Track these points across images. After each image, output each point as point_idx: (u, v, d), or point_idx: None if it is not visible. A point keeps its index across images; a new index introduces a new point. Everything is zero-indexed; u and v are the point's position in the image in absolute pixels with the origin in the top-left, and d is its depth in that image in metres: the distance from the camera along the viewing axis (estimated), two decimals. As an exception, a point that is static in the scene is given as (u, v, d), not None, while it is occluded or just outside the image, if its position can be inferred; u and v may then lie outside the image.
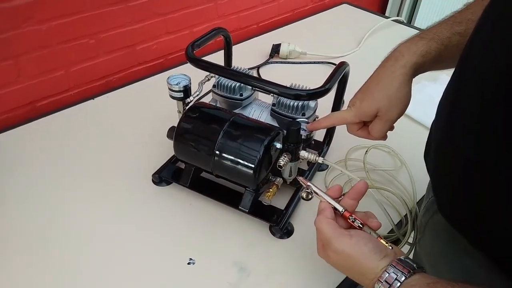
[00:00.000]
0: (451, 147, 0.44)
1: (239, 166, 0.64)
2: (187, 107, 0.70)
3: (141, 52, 1.05)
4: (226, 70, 0.67)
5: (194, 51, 0.68)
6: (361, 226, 0.46)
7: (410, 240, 0.66)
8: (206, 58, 0.66)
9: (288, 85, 0.73)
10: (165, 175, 0.75)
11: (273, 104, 0.74)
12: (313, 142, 0.82)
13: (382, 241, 0.44)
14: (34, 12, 0.83)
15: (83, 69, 0.96)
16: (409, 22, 1.72)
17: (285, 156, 0.60)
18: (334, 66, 1.10)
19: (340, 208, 0.47)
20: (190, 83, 0.68)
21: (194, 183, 0.72)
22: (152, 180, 0.75)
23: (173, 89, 0.66)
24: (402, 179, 0.78)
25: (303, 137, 0.63)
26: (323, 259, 0.47)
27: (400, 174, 0.79)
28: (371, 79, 0.58)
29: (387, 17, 1.42)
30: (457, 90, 0.44)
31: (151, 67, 1.09)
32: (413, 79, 0.57)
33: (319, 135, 0.82)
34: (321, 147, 0.81)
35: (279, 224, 0.66)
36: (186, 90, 0.67)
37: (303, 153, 0.62)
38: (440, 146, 0.48)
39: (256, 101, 0.78)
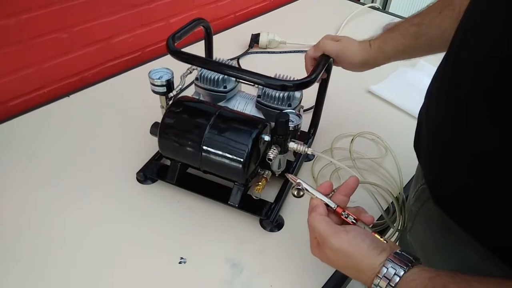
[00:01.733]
0: (448, 135, 0.43)
1: (227, 161, 0.62)
2: (170, 102, 0.67)
3: (117, 46, 1.01)
4: (209, 62, 0.64)
5: (175, 43, 0.65)
6: (354, 221, 0.45)
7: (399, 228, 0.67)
8: (186, 50, 0.64)
9: (272, 75, 0.72)
10: (150, 173, 0.72)
11: (258, 96, 0.72)
12: (299, 133, 0.80)
13: (376, 235, 0.43)
14: (0, 6, 0.77)
15: (57, 65, 0.91)
16: (384, 8, 1.72)
17: (274, 149, 0.59)
18: (315, 55, 1.11)
19: (332, 205, 0.46)
20: (173, 77, 0.65)
21: (181, 180, 0.70)
22: (137, 179, 0.72)
23: (155, 83, 0.63)
24: (387, 166, 0.78)
25: (291, 128, 0.62)
26: (318, 257, 0.46)
27: (386, 161, 0.79)
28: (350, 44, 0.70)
29: (362, 4, 1.41)
30: (453, 77, 0.43)
31: (128, 61, 1.05)
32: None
33: (304, 127, 0.81)
34: (306, 137, 0.80)
35: (269, 217, 0.65)
36: (169, 84, 0.64)
37: (292, 145, 0.60)
38: (436, 135, 0.47)
39: (240, 93, 0.76)
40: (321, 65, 0.64)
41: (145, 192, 0.71)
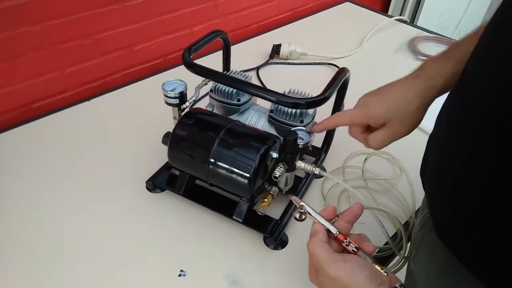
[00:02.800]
0: (453, 159, 0.41)
1: (234, 175, 0.62)
2: (182, 113, 0.67)
3: (139, 53, 1.03)
4: (223, 76, 0.64)
5: (191, 55, 0.66)
6: (355, 250, 0.44)
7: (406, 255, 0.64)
8: (204, 59, 0.64)
9: (287, 90, 0.72)
10: (159, 182, 0.73)
11: (271, 111, 0.71)
12: (310, 148, 0.79)
13: (377, 266, 0.42)
14: (27, 13, 0.80)
15: (79, 70, 0.94)
16: (412, 21, 1.68)
17: (281, 167, 0.58)
18: (335, 68, 1.09)
19: (334, 231, 0.45)
20: (186, 89, 0.65)
21: (188, 191, 0.70)
22: (146, 187, 0.73)
23: (168, 95, 0.64)
24: (401, 188, 0.76)
25: (300, 146, 0.61)
26: (315, 285, 0.45)
27: (400, 182, 0.77)
28: (392, 87, 0.55)
29: (390, 16, 1.38)
30: (461, 103, 0.42)
31: (149, 68, 1.06)
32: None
33: (317, 141, 0.80)
34: (319, 153, 0.79)
35: (273, 235, 0.64)
36: (182, 97, 0.65)
37: (299, 164, 0.59)
38: (441, 162, 0.45)
39: (254, 106, 0.76)
40: (336, 82, 0.63)
41: (153, 200, 0.72)
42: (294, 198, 0.50)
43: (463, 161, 0.39)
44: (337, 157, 0.82)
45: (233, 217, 0.66)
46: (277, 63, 1.12)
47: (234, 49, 1.17)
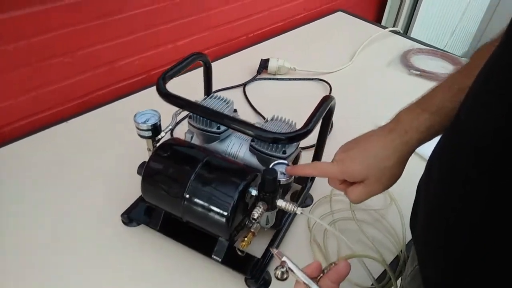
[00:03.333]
0: (446, 210, 0.37)
1: (211, 213, 0.57)
2: (157, 144, 0.63)
3: (121, 69, 0.98)
4: (200, 108, 0.60)
5: (166, 83, 0.61)
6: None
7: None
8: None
9: (270, 117, 0.68)
10: (135, 215, 0.68)
11: (252, 140, 0.67)
12: (291, 186, 0.75)
13: None
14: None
15: (57, 89, 0.89)
16: (405, 32, 1.64)
17: (260, 207, 0.54)
18: (325, 84, 1.05)
19: None
20: (160, 120, 0.61)
21: (165, 226, 0.66)
22: (122, 220, 0.69)
23: (141, 127, 0.59)
24: (391, 218, 0.72)
25: (282, 182, 0.57)
26: None
27: (390, 212, 0.73)
28: (367, 142, 0.53)
29: (383, 27, 1.34)
30: (453, 148, 0.38)
31: (133, 84, 1.02)
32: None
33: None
34: (305, 181, 0.75)
35: (255, 276, 0.60)
36: (155, 128, 0.60)
37: (280, 203, 0.55)
38: (433, 210, 0.41)
39: (235, 133, 0.71)
40: (320, 111, 0.58)
41: (129, 235, 0.68)
42: (275, 252, 0.45)
43: (453, 208, 0.36)
44: (324, 184, 0.77)
45: (212, 256, 0.61)
46: (265, 79, 1.08)
47: (221, 62, 1.15)
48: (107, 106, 0.94)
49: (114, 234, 0.67)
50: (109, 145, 0.84)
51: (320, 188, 0.76)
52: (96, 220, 0.69)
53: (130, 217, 0.68)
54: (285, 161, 0.59)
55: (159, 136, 0.62)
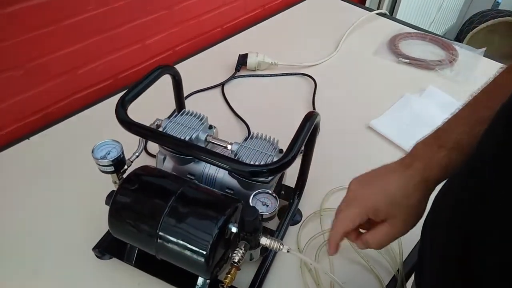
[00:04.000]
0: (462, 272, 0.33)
1: (188, 252, 0.52)
2: (124, 176, 0.56)
3: (84, 76, 0.89)
4: (167, 140, 0.53)
5: (126, 108, 0.54)
6: None
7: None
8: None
9: (249, 135, 0.61)
10: (108, 248, 0.62)
11: (231, 160, 0.61)
12: (283, 192, 0.70)
13: None
14: None
15: (13, 104, 0.80)
16: (391, 12, 1.56)
17: (241, 249, 0.48)
18: (309, 78, 0.98)
19: None
20: (122, 151, 0.54)
21: (141, 260, 0.60)
22: (95, 254, 0.63)
23: (101, 163, 0.52)
24: (386, 232, 0.67)
25: (265, 216, 0.51)
26: None
27: (384, 226, 0.68)
28: (384, 179, 0.47)
29: (369, 10, 1.26)
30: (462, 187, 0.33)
31: (99, 91, 0.94)
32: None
33: (290, 180, 0.70)
34: (292, 197, 0.69)
35: (241, 315, 0.55)
36: (118, 162, 0.53)
37: (264, 241, 0.50)
38: (444, 266, 0.36)
39: (212, 152, 0.65)
40: (303, 135, 0.52)
41: (103, 269, 0.62)
42: None
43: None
44: (313, 196, 0.72)
45: (193, 294, 0.56)
46: (244, 76, 1.00)
47: (196, 59, 1.06)
48: (74, 117, 0.87)
49: (87, 268, 0.62)
50: (77, 164, 0.76)
51: (308, 203, 0.71)
52: (66, 252, 0.64)
53: (103, 250, 0.62)
54: (268, 191, 0.53)
55: (125, 168, 0.56)
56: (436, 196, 0.40)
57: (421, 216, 0.46)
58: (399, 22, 1.22)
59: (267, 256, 0.62)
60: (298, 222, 0.69)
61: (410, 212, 0.46)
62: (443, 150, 0.44)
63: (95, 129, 0.83)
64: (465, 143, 0.42)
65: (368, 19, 1.21)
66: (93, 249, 0.62)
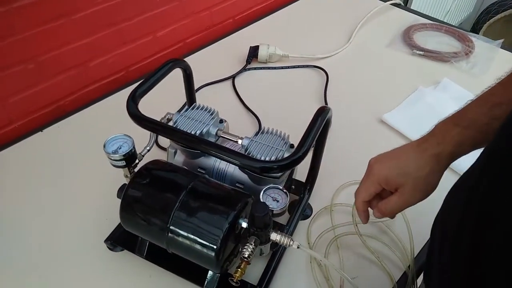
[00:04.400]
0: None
1: (198, 246, 0.52)
2: (135, 170, 0.57)
3: (95, 69, 0.90)
4: (178, 135, 0.53)
5: (138, 102, 0.54)
6: None
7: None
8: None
9: (259, 130, 0.61)
10: (119, 240, 0.63)
11: (242, 155, 0.61)
12: (293, 186, 0.70)
13: None
14: None
15: (25, 98, 0.81)
16: (404, 5, 1.52)
17: (251, 244, 0.48)
18: (321, 71, 0.97)
19: None
20: (134, 146, 0.54)
21: (153, 253, 0.61)
22: (107, 246, 0.64)
23: (113, 158, 0.53)
24: (397, 229, 0.67)
25: (275, 212, 0.51)
26: None
27: (396, 223, 0.68)
28: (400, 151, 0.52)
29: (383, 0, 1.24)
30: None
31: (110, 83, 0.94)
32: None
33: (301, 175, 0.70)
34: (302, 192, 0.69)
35: (251, 309, 0.55)
36: (130, 156, 0.54)
37: (274, 236, 0.50)
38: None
39: (223, 146, 0.65)
40: (314, 130, 0.52)
41: (115, 261, 0.63)
42: None
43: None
44: (324, 191, 0.72)
45: (205, 286, 0.57)
46: (255, 69, 1.00)
47: (207, 51, 1.06)
48: (85, 110, 0.88)
49: (99, 260, 0.63)
50: (90, 156, 0.77)
51: (319, 198, 0.71)
52: (78, 244, 0.65)
53: (115, 242, 0.63)
54: (279, 186, 0.53)
55: (136, 162, 0.56)
56: (449, 191, 0.39)
57: (433, 189, 0.49)
58: (413, 13, 1.20)
59: (277, 251, 0.62)
60: (309, 216, 0.69)
61: (419, 182, 0.48)
62: (458, 127, 0.46)
63: (108, 122, 0.83)
64: (482, 123, 0.44)
65: (382, 10, 1.19)
66: (105, 241, 0.63)
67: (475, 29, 1.90)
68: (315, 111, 0.54)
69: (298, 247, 0.49)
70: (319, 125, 0.52)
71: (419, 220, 0.65)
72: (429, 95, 0.91)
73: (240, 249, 0.58)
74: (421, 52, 1.02)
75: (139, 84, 0.55)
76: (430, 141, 0.48)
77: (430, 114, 0.86)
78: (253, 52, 0.99)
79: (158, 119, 0.58)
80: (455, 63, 1.00)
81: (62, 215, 0.69)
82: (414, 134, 0.82)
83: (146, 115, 0.53)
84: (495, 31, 1.86)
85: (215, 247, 0.51)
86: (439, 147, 0.47)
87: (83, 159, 0.77)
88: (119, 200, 0.56)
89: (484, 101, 0.45)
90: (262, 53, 0.99)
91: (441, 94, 0.92)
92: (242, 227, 0.51)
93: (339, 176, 0.74)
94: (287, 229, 0.65)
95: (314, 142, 0.52)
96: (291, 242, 0.49)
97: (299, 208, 0.68)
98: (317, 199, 0.71)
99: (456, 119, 0.47)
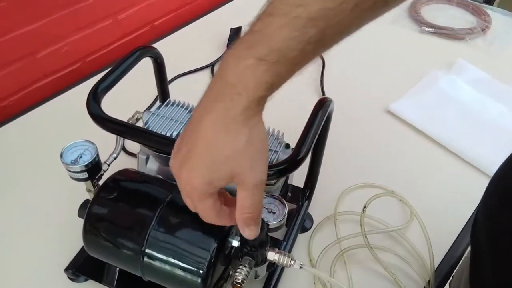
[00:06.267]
0: None
1: (180, 272, 0.51)
2: (100, 183, 0.55)
3: (44, 60, 0.88)
4: (148, 137, 0.51)
5: (100, 101, 0.53)
6: None
7: None
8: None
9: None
10: (82, 269, 0.62)
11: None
12: (289, 194, 0.69)
13: None
14: None
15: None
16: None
17: (245, 267, 0.47)
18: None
19: None
20: (97, 154, 0.53)
21: (124, 281, 0.60)
22: (68, 276, 0.62)
23: (72, 169, 0.51)
24: (413, 237, 0.67)
25: (271, 226, 0.50)
26: None
27: (411, 230, 0.68)
28: (199, 133, 0.41)
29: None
30: None
31: (64, 77, 0.92)
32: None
33: (298, 181, 0.69)
34: (301, 200, 0.69)
35: None
36: (93, 166, 0.52)
37: (271, 256, 0.49)
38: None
39: (204, 149, 0.64)
40: (315, 128, 0.51)
41: (79, 293, 0.61)
42: None
43: None
44: (326, 197, 0.72)
45: (189, 320, 0.56)
46: (238, 54, 0.99)
47: (180, 35, 1.05)
48: (33, 111, 0.86)
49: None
50: (43, 166, 0.75)
51: (320, 206, 0.71)
52: (31, 275, 0.63)
53: (77, 271, 0.61)
54: (275, 194, 0.53)
55: (101, 173, 0.54)
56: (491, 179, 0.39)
57: (263, 149, 0.41)
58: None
59: (274, 271, 0.61)
60: (309, 229, 0.69)
61: (254, 157, 0.40)
62: (264, 64, 0.37)
63: (63, 125, 0.82)
64: (294, 54, 0.37)
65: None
66: (65, 270, 0.62)
67: (491, 1, 1.93)
68: (311, 104, 0.54)
69: (301, 267, 0.48)
70: (320, 121, 0.52)
71: (437, 226, 0.66)
72: (442, 79, 0.92)
73: (231, 273, 0.57)
74: (430, 29, 1.03)
75: (101, 78, 0.54)
76: (228, 93, 0.38)
77: (444, 102, 0.88)
78: (235, 35, 1.00)
79: (126, 120, 0.57)
80: (470, 40, 1.01)
81: (13, 240, 0.67)
82: (426, 125, 0.83)
83: (111, 115, 0.52)
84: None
85: (201, 272, 0.50)
86: (243, 98, 0.37)
87: (34, 171, 0.75)
88: (82, 220, 0.54)
89: (292, 20, 0.36)
90: (245, 35, 0.98)
91: (455, 78, 0.92)
92: (233, 247, 0.50)
93: (343, 179, 0.74)
94: (284, 245, 0.64)
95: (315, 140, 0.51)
96: (292, 262, 0.48)
97: (298, 219, 0.67)
98: (318, 207, 0.71)
99: (255, 49, 0.37)
